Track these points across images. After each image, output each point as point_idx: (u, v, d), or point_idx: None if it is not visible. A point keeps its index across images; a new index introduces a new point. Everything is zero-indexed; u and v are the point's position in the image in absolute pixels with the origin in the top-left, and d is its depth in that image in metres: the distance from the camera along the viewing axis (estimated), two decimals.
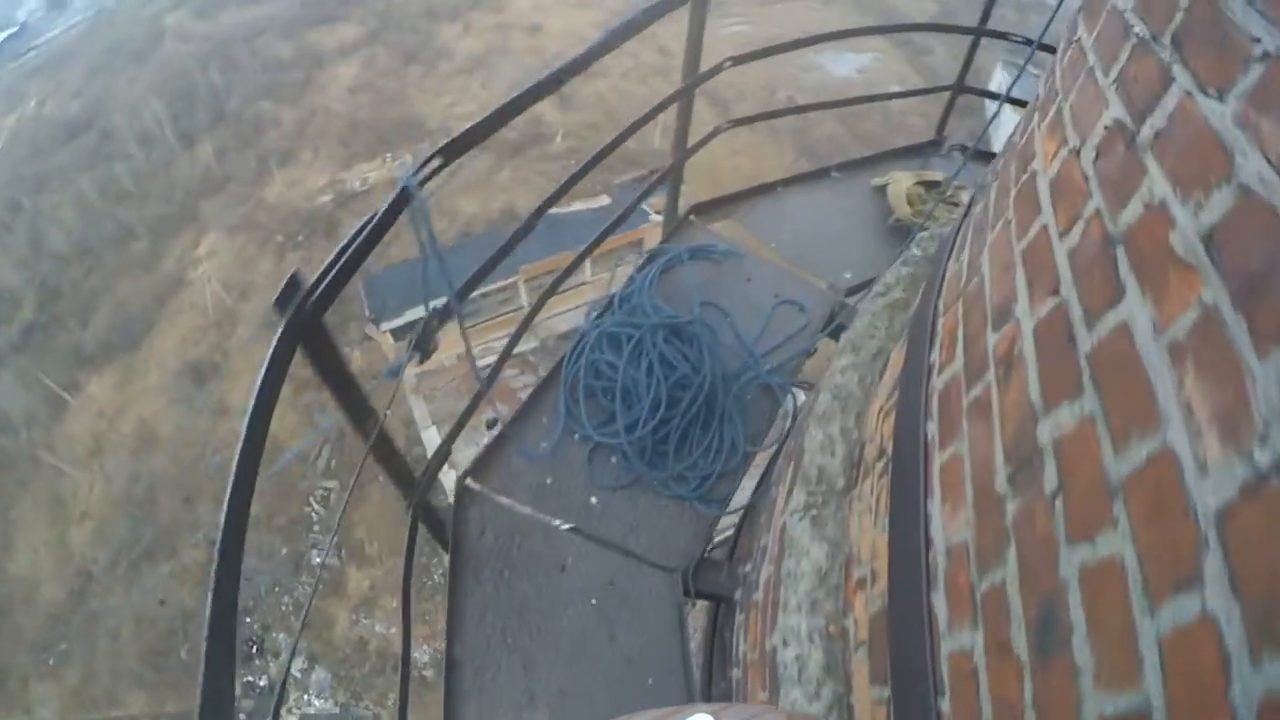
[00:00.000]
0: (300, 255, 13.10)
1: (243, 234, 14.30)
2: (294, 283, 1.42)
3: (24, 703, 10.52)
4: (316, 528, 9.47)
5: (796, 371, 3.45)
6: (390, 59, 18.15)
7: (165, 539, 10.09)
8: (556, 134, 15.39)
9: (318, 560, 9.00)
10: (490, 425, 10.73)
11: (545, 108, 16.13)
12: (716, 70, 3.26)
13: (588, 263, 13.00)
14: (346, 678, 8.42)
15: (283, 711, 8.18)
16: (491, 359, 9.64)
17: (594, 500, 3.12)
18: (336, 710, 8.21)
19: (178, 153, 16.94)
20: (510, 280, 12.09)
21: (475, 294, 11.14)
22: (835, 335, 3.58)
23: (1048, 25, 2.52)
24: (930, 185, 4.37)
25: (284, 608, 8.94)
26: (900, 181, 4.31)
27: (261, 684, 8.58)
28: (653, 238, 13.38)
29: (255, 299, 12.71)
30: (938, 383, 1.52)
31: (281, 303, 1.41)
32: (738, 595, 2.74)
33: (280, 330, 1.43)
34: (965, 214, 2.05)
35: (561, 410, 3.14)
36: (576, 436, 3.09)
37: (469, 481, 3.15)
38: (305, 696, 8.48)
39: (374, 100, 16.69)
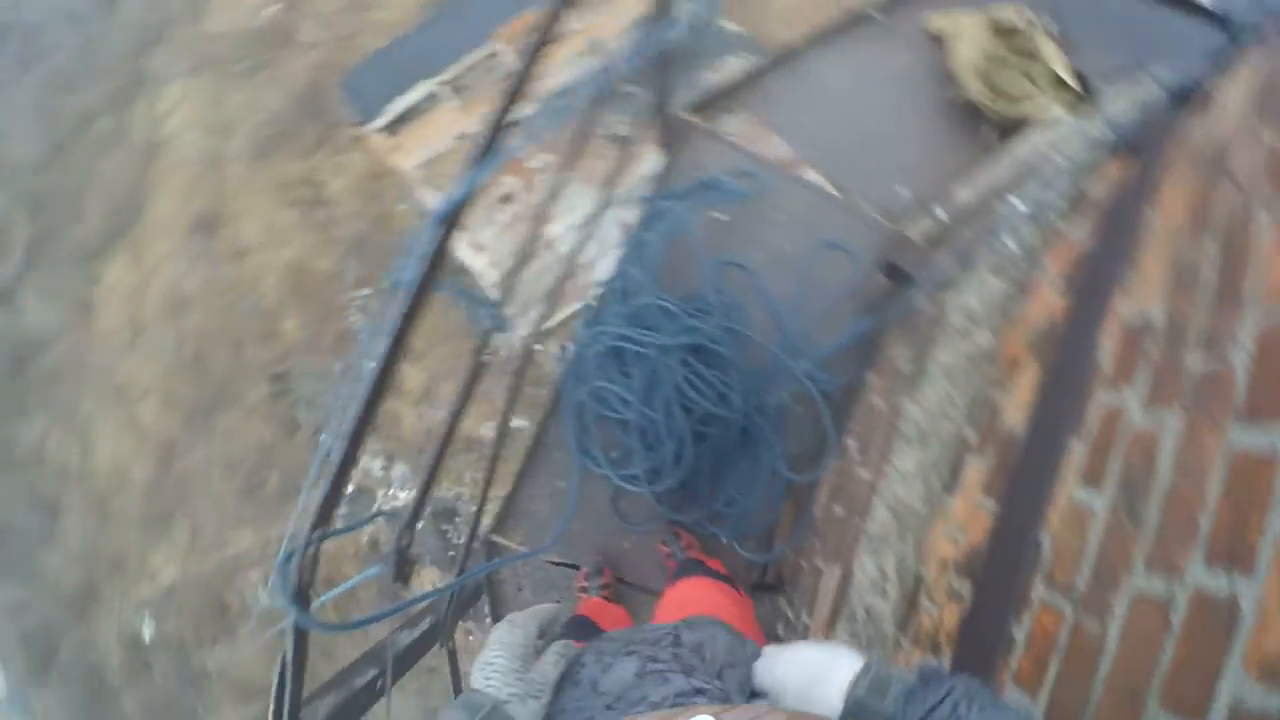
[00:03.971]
0: (269, 74, 12.72)
1: (201, 74, 13.93)
2: None
3: (147, 573, 11.74)
4: (363, 336, 9.78)
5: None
6: None
7: (227, 388, 10.68)
8: None
9: (372, 365, 9.36)
10: (505, 201, 10.62)
11: None
12: None
13: (569, 11, 12.22)
14: (422, 466, 8.95)
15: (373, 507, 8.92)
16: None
17: (626, 546, 3.07)
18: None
19: (105, 20, 16.32)
20: (489, 49, 11.51)
21: (458, 70, 10.74)
22: (891, 276, 3.06)
23: None
24: (1008, 33, 3.44)
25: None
26: (966, 36, 3.41)
27: (349, 490, 9.24)
28: None
29: (237, 134, 12.55)
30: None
31: None
32: None
33: None
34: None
35: (573, 445, 3.03)
36: (597, 471, 3.03)
37: (495, 538, 3.08)
38: (389, 491, 9.14)
39: None
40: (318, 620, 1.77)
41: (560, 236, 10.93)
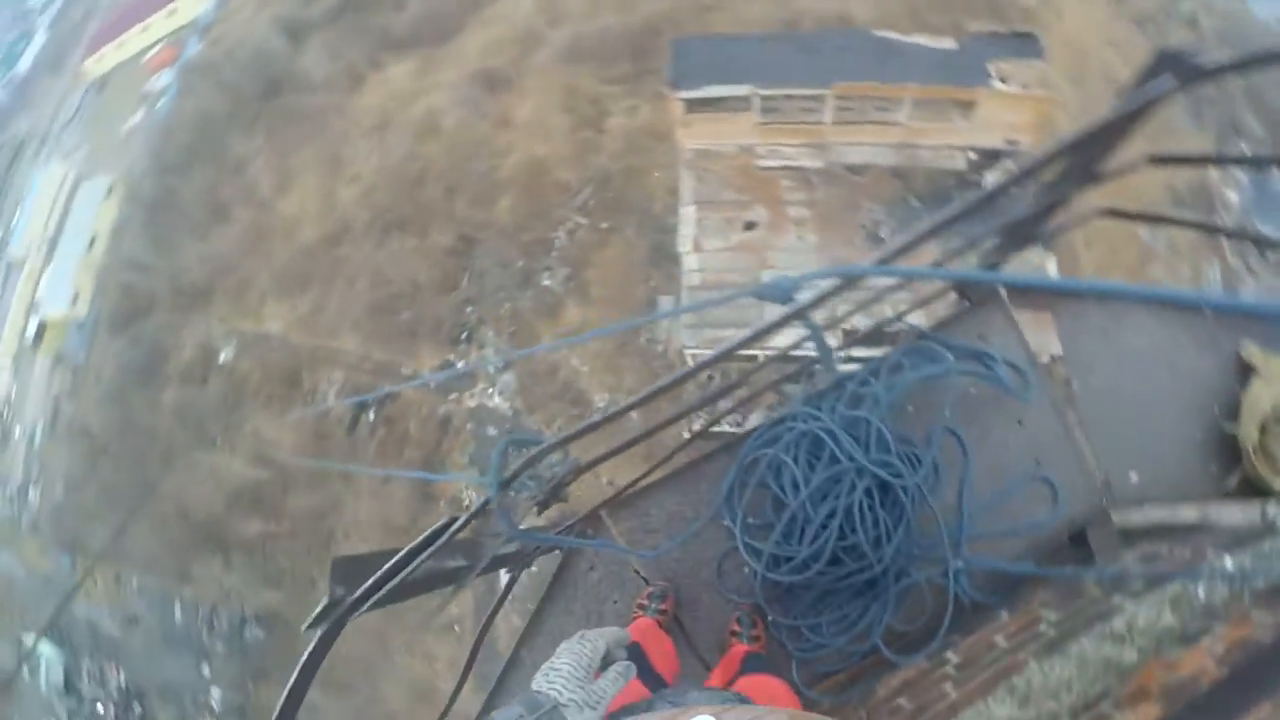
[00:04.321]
0: None
1: None
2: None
3: (257, 313, 12.57)
4: (555, 254, 10.14)
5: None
6: None
7: (420, 218, 11.24)
8: None
9: (546, 283, 9.73)
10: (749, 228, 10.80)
11: None
12: None
13: (905, 106, 12.32)
14: (528, 390, 9.35)
15: (466, 396, 9.31)
16: (775, 162, 9.49)
17: (703, 597, 3.02)
18: (509, 414, 9.21)
19: None
20: (819, 91, 11.71)
21: (779, 93, 10.99)
22: (1074, 542, 3.03)
23: None
24: None
25: (502, 312, 9.84)
26: (1271, 383, 3.24)
27: (458, 365, 9.66)
28: (988, 107, 12.39)
29: (562, 28, 13.12)
30: None
31: None
32: None
33: None
34: None
35: (724, 489, 2.96)
36: (727, 524, 2.95)
37: (603, 514, 3.11)
38: (489, 390, 9.53)
39: None
40: (507, 512, 1.96)
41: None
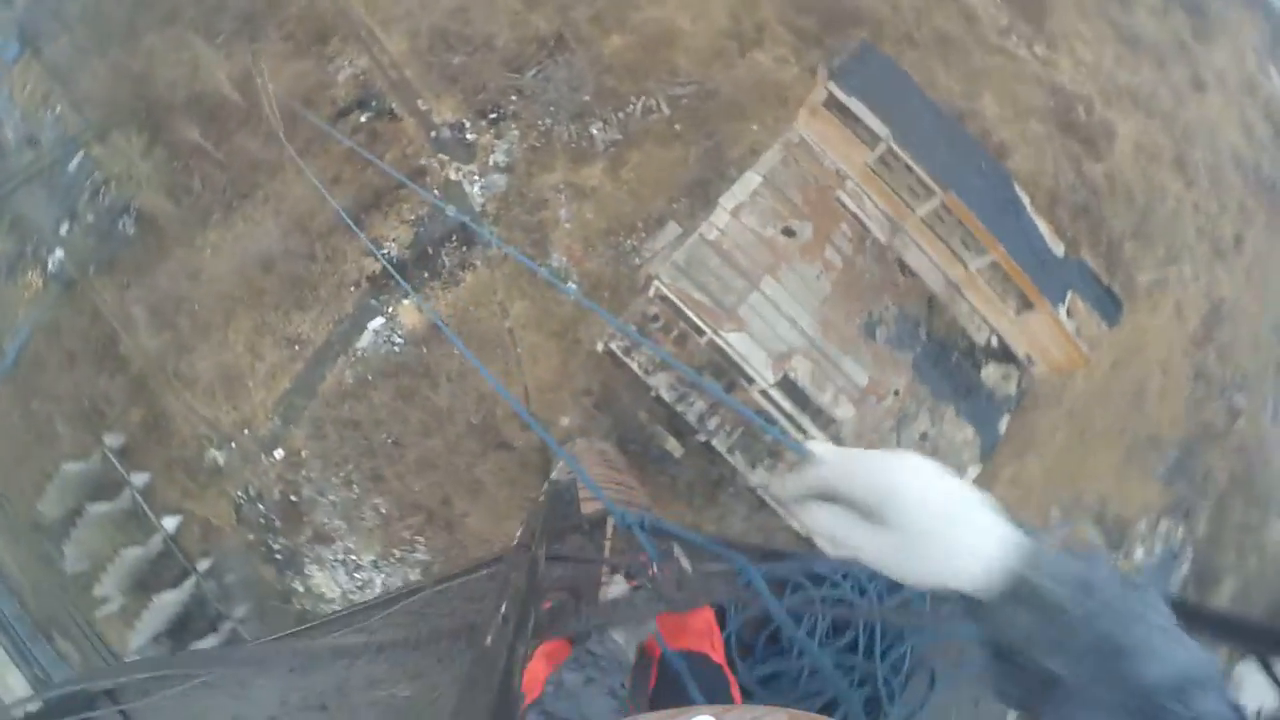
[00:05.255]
0: None
1: None
2: None
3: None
4: (620, 116, 9.81)
5: None
6: None
7: (496, 39, 10.49)
8: None
9: (593, 131, 9.39)
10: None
11: None
12: None
13: (984, 260, 12.16)
14: (506, 204, 9.25)
15: (454, 168, 8.93)
16: (852, 205, 9.09)
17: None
18: (474, 210, 9.04)
19: None
20: (933, 186, 11.43)
21: (905, 158, 10.67)
22: None
23: None
24: None
25: (539, 124, 9.52)
26: None
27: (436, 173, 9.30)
28: (1039, 321, 12.27)
29: None
30: None
31: None
32: None
33: None
34: None
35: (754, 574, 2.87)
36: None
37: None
38: (476, 176, 9.18)
39: None
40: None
41: (756, 289, 10.94)
